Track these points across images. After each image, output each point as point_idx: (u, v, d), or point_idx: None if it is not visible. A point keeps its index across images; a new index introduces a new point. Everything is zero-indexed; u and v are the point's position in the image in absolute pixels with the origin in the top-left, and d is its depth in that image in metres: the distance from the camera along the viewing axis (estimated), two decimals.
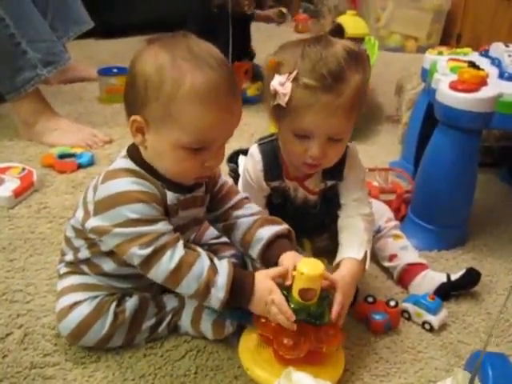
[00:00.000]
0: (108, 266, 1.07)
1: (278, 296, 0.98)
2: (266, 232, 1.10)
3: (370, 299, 1.23)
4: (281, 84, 1.07)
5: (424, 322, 1.22)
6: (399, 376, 1.10)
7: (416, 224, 1.52)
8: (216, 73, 0.93)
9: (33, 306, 1.18)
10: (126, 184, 0.97)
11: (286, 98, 1.06)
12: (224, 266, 0.98)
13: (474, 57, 1.64)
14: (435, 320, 1.21)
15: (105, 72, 2.39)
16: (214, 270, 0.97)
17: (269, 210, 1.25)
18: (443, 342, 1.20)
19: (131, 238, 0.95)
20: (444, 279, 1.30)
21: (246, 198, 1.18)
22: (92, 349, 1.09)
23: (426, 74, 1.68)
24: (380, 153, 2.04)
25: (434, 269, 1.36)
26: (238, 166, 1.41)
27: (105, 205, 0.98)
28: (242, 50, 2.41)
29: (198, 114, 0.92)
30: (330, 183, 1.25)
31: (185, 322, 1.13)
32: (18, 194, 1.55)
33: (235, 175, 1.36)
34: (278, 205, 1.26)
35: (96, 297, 1.07)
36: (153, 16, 3.03)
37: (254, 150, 1.23)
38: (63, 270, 1.13)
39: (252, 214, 1.14)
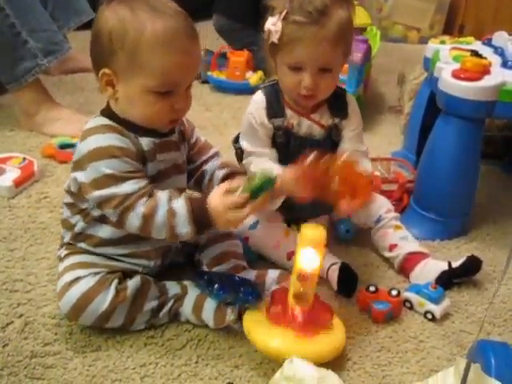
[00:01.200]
0: (104, 232, 1.10)
1: (224, 200, 1.02)
2: (225, 170, 1.21)
3: (372, 288, 1.22)
4: (273, 24, 1.21)
5: (426, 312, 1.22)
6: (401, 365, 1.10)
7: (418, 214, 1.51)
8: (173, 19, 1.02)
9: (33, 296, 1.18)
10: (103, 139, 1.04)
11: (278, 35, 1.20)
12: (181, 205, 1.03)
13: (477, 46, 1.64)
14: (437, 309, 1.21)
15: None
16: (172, 213, 1.02)
17: None
18: (445, 332, 1.20)
19: (105, 200, 1.02)
20: (445, 267, 1.30)
21: (217, 152, 1.27)
22: (93, 337, 1.09)
23: (428, 63, 1.67)
24: (382, 143, 2.03)
25: (436, 259, 1.35)
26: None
27: (86, 159, 1.04)
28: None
29: (161, 58, 1.01)
30: (336, 120, 1.33)
31: (186, 309, 1.13)
32: (18, 183, 1.55)
33: (241, 153, 1.36)
34: (281, 144, 1.31)
35: (97, 273, 1.08)
36: None
37: (257, 93, 1.33)
38: (63, 253, 1.14)
39: (219, 162, 1.24)
